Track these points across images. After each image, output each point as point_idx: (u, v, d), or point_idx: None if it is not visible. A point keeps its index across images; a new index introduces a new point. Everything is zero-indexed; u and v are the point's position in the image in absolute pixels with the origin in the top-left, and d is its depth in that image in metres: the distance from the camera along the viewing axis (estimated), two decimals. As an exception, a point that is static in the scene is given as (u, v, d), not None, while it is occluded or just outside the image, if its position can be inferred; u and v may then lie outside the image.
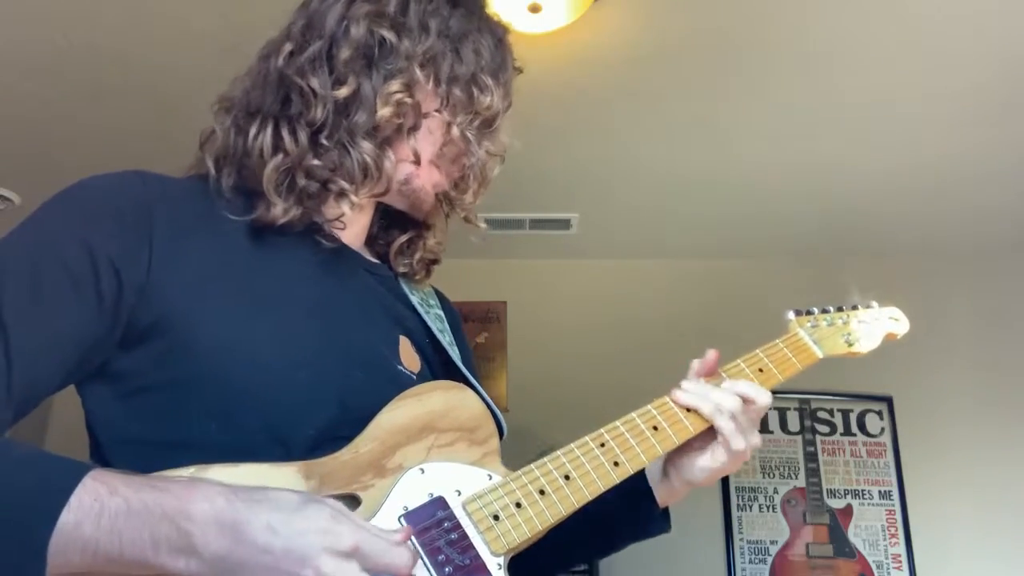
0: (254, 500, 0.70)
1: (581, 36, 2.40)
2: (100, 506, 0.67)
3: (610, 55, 2.50)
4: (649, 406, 1.04)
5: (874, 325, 1.27)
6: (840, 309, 1.26)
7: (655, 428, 1.02)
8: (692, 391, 1.05)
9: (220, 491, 0.70)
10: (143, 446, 0.83)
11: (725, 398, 1.04)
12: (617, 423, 1.02)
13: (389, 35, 0.97)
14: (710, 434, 1.05)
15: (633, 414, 1.03)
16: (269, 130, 0.95)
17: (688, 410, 1.05)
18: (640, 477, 1.09)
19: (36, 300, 0.78)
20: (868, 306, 1.29)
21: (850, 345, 1.23)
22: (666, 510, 1.11)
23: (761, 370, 1.12)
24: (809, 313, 1.24)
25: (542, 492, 0.92)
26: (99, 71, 2.51)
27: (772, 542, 3.42)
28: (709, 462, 1.05)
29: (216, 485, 0.71)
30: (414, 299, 1.09)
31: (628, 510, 1.10)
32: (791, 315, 1.24)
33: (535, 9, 2.22)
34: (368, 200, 1.02)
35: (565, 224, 3.58)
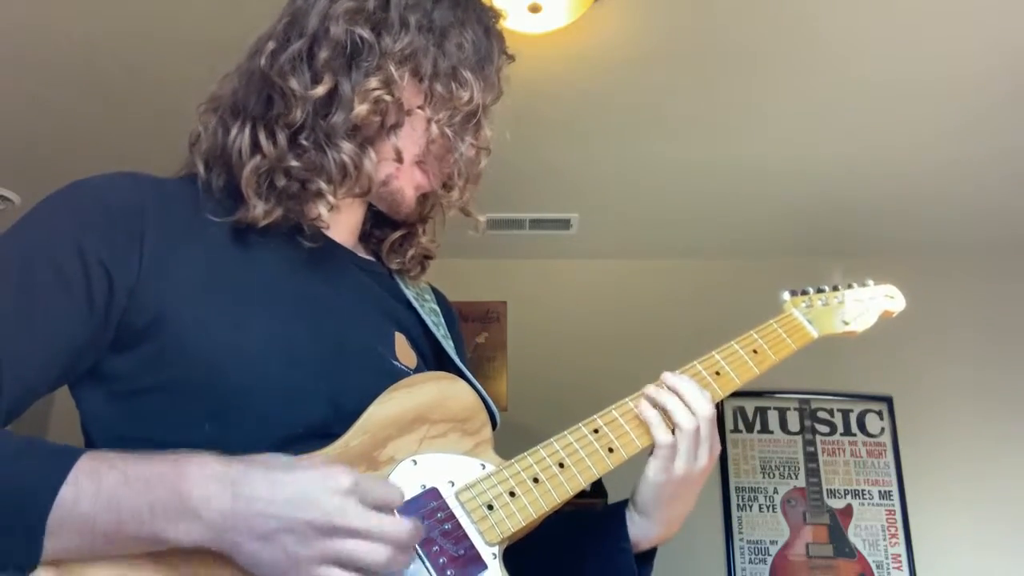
0: (247, 462, 0.73)
1: (581, 36, 2.40)
2: (98, 482, 0.69)
3: (610, 55, 2.50)
4: (643, 390, 1.02)
5: (870, 303, 1.25)
6: (835, 288, 1.24)
7: None
8: (652, 401, 1.00)
9: (214, 457, 0.73)
10: (136, 445, 0.82)
11: (679, 413, 0.99)
12: (610, 408, 1.00)
13: (366, 33, 0.96)
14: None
15: (627, 399, 1.02)
16: (247, 132, 0.94)
17: None
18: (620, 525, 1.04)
19: (28, 302, 0.78)
20: (864, 284, 1.27)
21: (846, 324, 1.21)
22: (647, 556, 1.05)
23: (755, 351, 1.10)
24: (804, 293, 1.22)
25: (536, 480, 0.92)
26: (100, 70, 2.52)
27: (772, 542, 3.42)
28: (652, 480, 0.99)
29: (208, 454, 0.73)
30: (409, 294, 1.09)
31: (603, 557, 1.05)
32: (786, 295, 1.22)
33: (535, 9, 2.22)
34: (356, 198, 1.01)
35: (565, 224, 3.58)
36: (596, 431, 0.98)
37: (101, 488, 0.68)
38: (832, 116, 2.79)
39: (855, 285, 1.27)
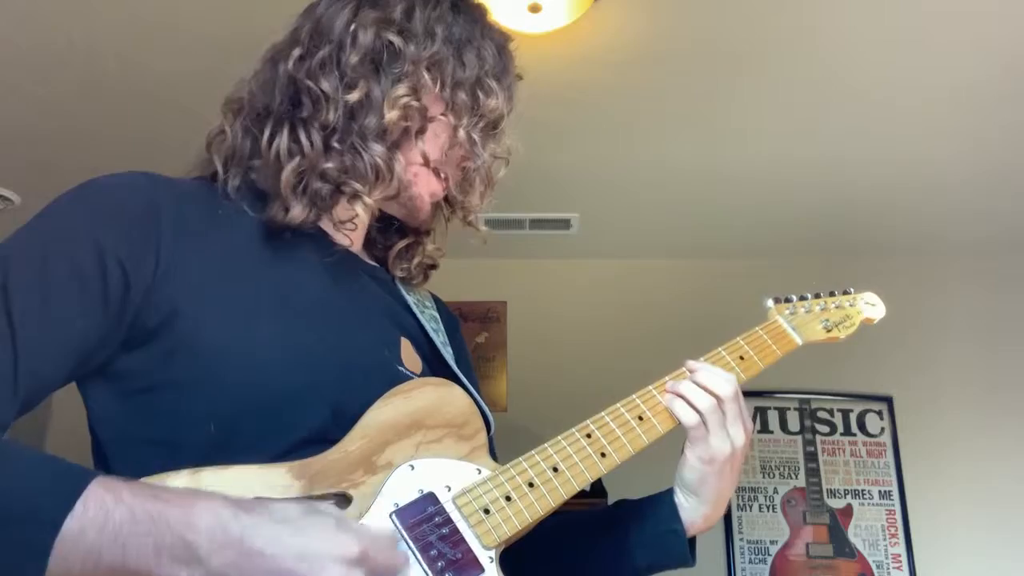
0: (258, 513, 0.71)
1: (581, 36, 2.40)
2: (105, 515, 0.67)
3: (610, 55, 2.50)
4: (634, 396, 1.05)
5: (851, 311, 1.28)
6: (817, 296, 1.27)
7: (640, 418, 1.03)
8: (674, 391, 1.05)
9: (224, 503, 0.71)
10: (142, 445, 0.83)
11: (697, 397, 1.02)
12: (603, 413, 1.02)
13: (396, 40, 0.98)
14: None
15: (618, 404, 1.04)
16: (286, 132, 0.96)
17: None
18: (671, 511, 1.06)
19: (44, 298, 0.78)
20: (845, 292, 1.30)
21: (828, 331, 1.24)
22: (692, 542, 1.07)
23: (742, 357, 1.12)
24: (787, 300, 1.25)
25: (531, 485, 0.92)
26: (99, 71, 2.52)
27: (772, 542, 3.42)
28: (693, 461, 1.02)
29: (219, 497, 0.71)
30: (410, 300, 1.10)
31: (653, 542, 1.06)
32: (770, 302, 1.25)
33: (535, 9, 2.22)
34: (373, 204, 1.02)
35: (565, 224, 3.58)
36: (589, 436, 1.00)
37: (107, 522, 0.67)
38: (832, 117, 2.79)
39: (837, 293, 1.30)
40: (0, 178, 3.11)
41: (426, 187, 1.04)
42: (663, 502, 1.06)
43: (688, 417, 1.02)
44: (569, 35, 2.38)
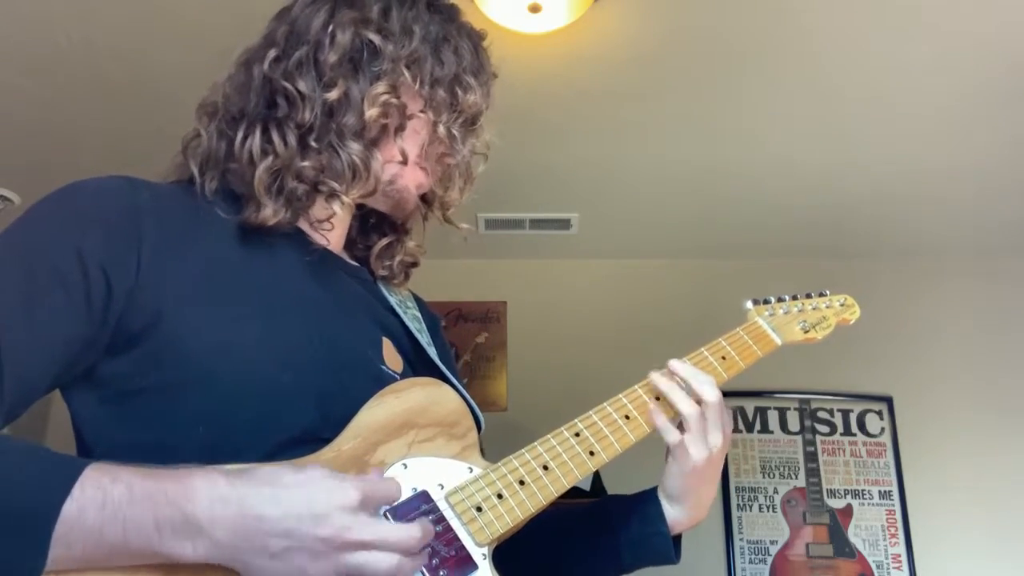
0: (253, 479, 0.72)
1: (581, 36, 2.40)
2: (103, 495, 0.68)
3: (610, 55, 2.50)
4: (621, 395, 1.07)
5: (827, 312, 1.31)
6: (795, 297, 1.30)
7: (627, 417, 1.05)
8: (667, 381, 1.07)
9: (220, 474, 0.72)
10: (130, 450, 0.82)
11: (683, 403, 1.04)
12: (591, 413, 1.04)
13: (375, 38, 0.99)
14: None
15: (605, 404, 1.05)
16: (258, 133, 0.96)
17: (657, 398, 1.06)
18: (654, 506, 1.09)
19: (26, 304, 0.79)
20: (821, 294, 1.33)
21: (806, 332, 1.26)
22: (676, 540, 1.11)
23: (724, 358, 1.15)
24: (767, 302, 1.28)
25: (522, 483, 0.94)
26: (99, 70, 2.53)
27: (772, 542, 3.42)
28: (675, 475, 1.05)
29: (214, 470, 0.73)
30: (392, 300, 1.11)
31: (638, 536, 1.09)
32: (749, 304, 1.28)
33: (535, 9, 2.23)
34: (351, 202, 1.03)
35: (565, 224, 3.58)
36: (577, 435, 1.01)
37: (106, 501, 0.68)
38: (832, 118, 2.79)
39: (813, 294, 1.32)
40: (0, 178, 3.11)
41: (412, 179, 1.05)
42: (649, 503, 1.08)
43: (673, 437, 1.03)
44: (569, 35, 2.38)
